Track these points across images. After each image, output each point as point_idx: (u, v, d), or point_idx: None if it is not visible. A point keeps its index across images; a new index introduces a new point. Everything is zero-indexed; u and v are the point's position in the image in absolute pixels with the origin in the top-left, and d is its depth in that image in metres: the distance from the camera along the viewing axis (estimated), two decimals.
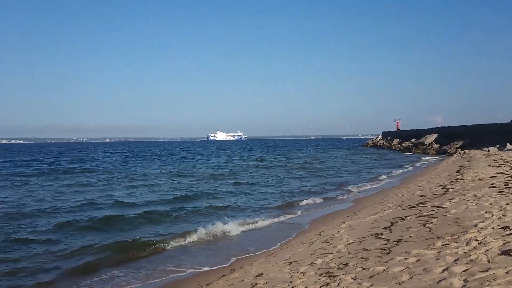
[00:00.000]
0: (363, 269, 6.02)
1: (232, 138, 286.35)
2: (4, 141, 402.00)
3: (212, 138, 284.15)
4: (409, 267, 5.66)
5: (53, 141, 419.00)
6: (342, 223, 11.20)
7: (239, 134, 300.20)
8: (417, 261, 5.91)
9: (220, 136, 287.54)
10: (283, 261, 7.90)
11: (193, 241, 10.97)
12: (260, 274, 7.17)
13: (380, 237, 8.02)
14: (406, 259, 6.10)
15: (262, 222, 13.09)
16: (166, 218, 13.85)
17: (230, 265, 9.09)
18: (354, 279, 5.62)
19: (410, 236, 7.54)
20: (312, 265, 6.97)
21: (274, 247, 10.26)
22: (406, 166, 33.75)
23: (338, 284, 5.57)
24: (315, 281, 5.95)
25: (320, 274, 6.26)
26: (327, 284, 5.68)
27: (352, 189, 20.90)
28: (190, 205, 16.23)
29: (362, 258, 6.71)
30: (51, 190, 21.26)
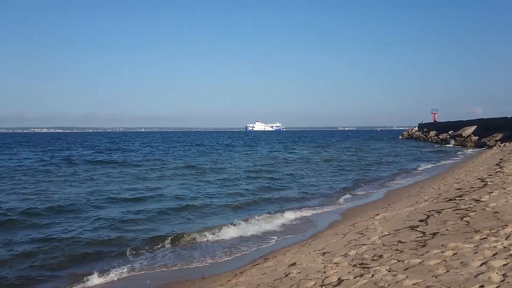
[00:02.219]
0: (398, 261, 5.96)
1: (271, 129, 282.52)
2: (44, 130, 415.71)
3: (251, 128, 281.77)
4: (445, 260, 5.57)
5: (91, 131, 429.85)
6: (376, 215, 11.09)
7: (278, 124, 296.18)
8: (454, 254, 5.80)
9: (259, 126, 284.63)
10: (316, 252, 7.90)
11: None
12: (293, 264, 7.20)
13: (416, 230, 7.91)
14: (442, 252, 5.99)
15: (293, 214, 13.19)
16: None
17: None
18: (388, 271, 5.58)
19: (447, 229, 7.40)
20: (346, 256, 6.94)
21: (307, 238, 10.30)
22: (443, 158, 32.99)
23: (372, 275, 5.54)
24: (348, 272, 5.93)
25: (354, 265, 6.23)
26: (361, 275, 5.66)
27: (387, 182, 20.62)
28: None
29: (397, 250, 6.63)
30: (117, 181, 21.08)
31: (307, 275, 6.27)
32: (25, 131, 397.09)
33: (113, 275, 8.15)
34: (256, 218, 12.33)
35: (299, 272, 6.54)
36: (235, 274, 7.76)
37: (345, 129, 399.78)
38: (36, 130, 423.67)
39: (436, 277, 4.99)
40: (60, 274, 8.35)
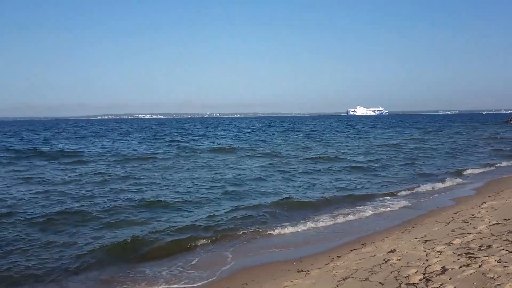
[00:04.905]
0: (509, 252, 5.61)
1: (373, 113, 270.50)
2: (147, 116, 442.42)
3: (352, 113, 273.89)
4: None
5: (189, 116, 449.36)
6: (482, 203, 10.46)
7: (380, 109, 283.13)
8: None
9: (360, 111, 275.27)
10: (417, 239, 7.66)
11: None
12: (393, 250, 7.05)
13: None
14: None
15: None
16: None
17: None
18: (498, 262, 5.27)
19: None
20: (450, 245, 6.66)
21: (406, 224, 10.01)
22: None
23: (480, 265, 5.27)
24: (453, 261, 5.70)
25: (459, 255, 5.97)
26: (467, 265, 5.41)
27: (495, 169, 19.27)
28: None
29: (507, 240, 6.24)
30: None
31: (407, 263, 6.12)
32: (130, 117, 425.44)
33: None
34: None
35: (399, 259, 6.40)
36: (332, 258, 7.76)
37: (447, 112, 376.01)
38: (140, 116, 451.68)
39: None
40: None
